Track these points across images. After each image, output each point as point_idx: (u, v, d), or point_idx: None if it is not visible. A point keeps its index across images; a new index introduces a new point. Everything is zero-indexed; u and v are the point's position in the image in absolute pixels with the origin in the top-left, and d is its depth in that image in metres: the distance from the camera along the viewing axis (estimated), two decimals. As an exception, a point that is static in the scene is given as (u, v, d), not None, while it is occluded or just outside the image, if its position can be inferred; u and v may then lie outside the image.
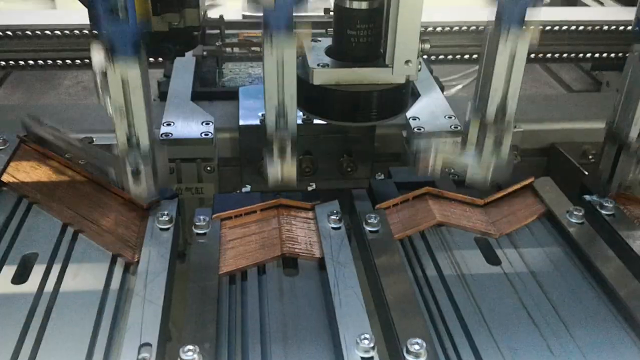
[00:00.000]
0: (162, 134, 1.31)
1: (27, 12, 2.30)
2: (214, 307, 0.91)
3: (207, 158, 1.33)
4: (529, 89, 2.73)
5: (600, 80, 2.47)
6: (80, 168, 1.20)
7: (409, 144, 1.40)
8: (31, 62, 2.14)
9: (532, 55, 2.23)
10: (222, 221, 1.10)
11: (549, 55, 2.24)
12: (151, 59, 2.01)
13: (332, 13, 1.16)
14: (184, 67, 1.66)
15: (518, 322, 0.93)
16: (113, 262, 1.02)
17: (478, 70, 1.10)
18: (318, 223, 1.10)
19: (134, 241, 1.05)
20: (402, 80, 1.11)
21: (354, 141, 1.46)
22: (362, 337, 0.83)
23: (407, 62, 1.08)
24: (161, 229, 1.06)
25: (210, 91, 1.61)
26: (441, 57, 2.19)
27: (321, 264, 1.03)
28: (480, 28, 2.07)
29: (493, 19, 1.03)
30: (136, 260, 1.00)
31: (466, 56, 2.18)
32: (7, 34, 2.03)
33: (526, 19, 1.01)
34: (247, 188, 1.18)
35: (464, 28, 2.11)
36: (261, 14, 0.96)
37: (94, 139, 1.32)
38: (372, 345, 0.82)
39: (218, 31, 1.89)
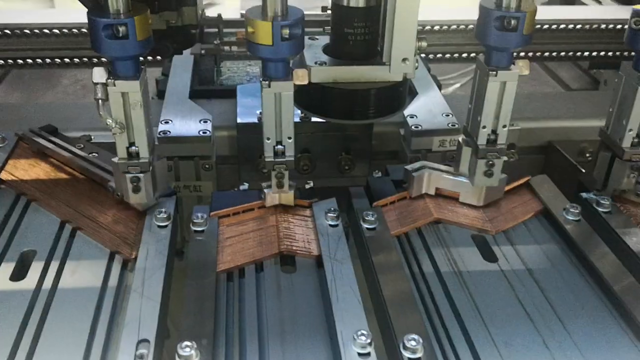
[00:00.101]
0: (160, 132, 1.31)
1: (26, 11, 2.30)
2: (212, 303, 0.92)
3: (205, 156, 1.34)
4: (527, 87, 2.73)
5: (598, 78, 2.47)
6: (78, 166, 1.20)
7: (407, 143, 1.41)
8: (30, 60, 2.14)
9: (531, 54, 2.23)
10: (219, 219, 1.10)
11: (547, 54, 2.24)
12: (149, 57, 2.02)
13: (329, 11, 1.16)
14: (182, 65, 1.66)
15: (514, 318, 0.94)
16: (111, 259, 1.02)
17: (469, 100, 1.12)
18: (315, 220, 1.10)
19: (132, 238, 1.05)
20: (400, 78, 1.11)
21: (351, 139, 1.46)
22: (359, 333, 0.83)
23: (404, 60, 1.08)
24: (159, 226, 1.06)
25: (208, 89, 1.61)
26: (439, 55, 2.19)
27: (319, 261, 1.03)
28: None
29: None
30: (134, 257, 1.00)
31: (464, 55, 2.18)
32: (5, 32, 2.02)
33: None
34: (245, 186, 1.19)
35: (462, 27, 2.11)
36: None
37: (92, 137, 1.32)
38: (368, 341, 0.83)
39: (216, 30, 1.89)
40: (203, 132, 1.33)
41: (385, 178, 1.23)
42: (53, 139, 1.28)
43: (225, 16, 1.91)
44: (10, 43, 2.11)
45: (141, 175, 1.03)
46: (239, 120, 1.40)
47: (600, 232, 1.10)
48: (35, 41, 2.13)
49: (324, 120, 1.25)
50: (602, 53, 2.24)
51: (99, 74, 0.97)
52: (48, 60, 2.16)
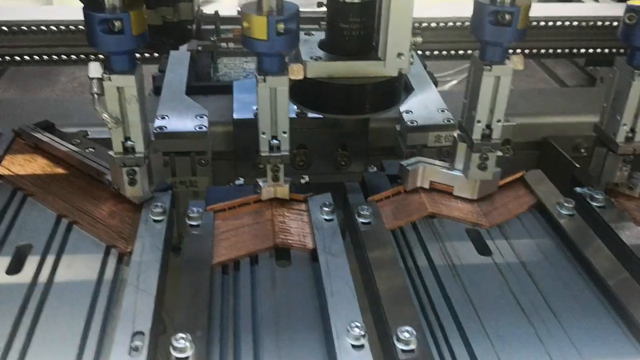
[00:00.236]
0: (156, 128, 1.32)
1: (23, 8, 2.31)
2: (207, 296, 0.92)
3: (201, 151, 1.34)
4: (523, 84, 2.73)
5: (595, 75, 2.47)
6: (75, 161, 1.20)
7: (403, 138, 1.41)
8: (27, 57, 2.15)
9: (527, 51, 2.24)
10: (215, 213, 1.10)
11: (543, 50, 2.25)
12: (147, 55, 2.02)
13: (324, 8, 1.16)
14: (179, 61, 1.66)
15: (508, 311, 0.94)
16: (107, 253, 1.03)
17: (464, 95, 1.12)
18: (311, 215, 1.10)
19: (127, 232, 1.06)
20: (395, 73, 1.11)
21: (348, 135, 1.47)
22: (353, 325, 0.84)
23: (399, 55, 1.08)
24: (155, 221, 1.06)
25: (204, 85, 1.62)
26: (436, 52, 2.20)
27: (314, 254, 1.04)
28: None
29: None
30: (129, 251, 1.01)
31: (460, 52, 2.19)
32: (3, 29, 2.03)
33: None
34: (240, 181, 1.19)
35: (459, 24, 2.12)
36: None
37: (89, 132, 1.33)
38: (362, 333, 0.83)
39: (213, 26, 1.90)
40: (199, 128, 1.33)
41: (381, 173, 1.23)
42: (50, 134, 1.28)
43: (222, 13, 1.92)
44: (8, 40, 2.11)
45: (137, 168, 1.04)
46: (235, 116, 1.41)
47: (594, 226, 1.11)
48: (33, 38, 2.13)
49: (320, 116, 1.25)
50: (599, 50, 2.25)
51: (94, 69, 0.97)
52: (45, 57, 2.16)
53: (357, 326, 0.84)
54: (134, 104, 0.99)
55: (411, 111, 1.43)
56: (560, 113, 1.61)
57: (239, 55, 1.81)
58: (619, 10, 2.21)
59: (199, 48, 1.73)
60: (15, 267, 0.99)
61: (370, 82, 1.12)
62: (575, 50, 2.26)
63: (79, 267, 1.00)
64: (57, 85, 2.77)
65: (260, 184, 1.12)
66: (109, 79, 0.97)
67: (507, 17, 0.98)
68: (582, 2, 2.51)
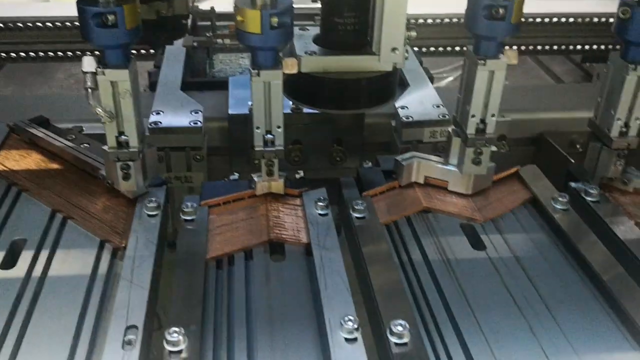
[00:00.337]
0: (151, 123, 1.32)
1: (20, 5, 2.30)
2: (201, 290, 0.92)
3: (196, 147, 1.34)
4: (520, 82, 2.73)
5: (591, 72, 2.48)
6: (69, 156, 1.20)
7: (398, 134, 1.41)
8: (23, 54, 2.15)
9: (523, 48, 2.24)
10: (210, 208, 1.10)
11: (539, 47, 2.25)
12: (143, 51, 2.02)
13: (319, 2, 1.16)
14: (174, 57, 1.66)
15: (501, 306, 0.94)
16: (101, 247, 1.03)
17: (459, 90, 1.12)
18: (305, 209, 1.10)
19: (121, 227, 1.06)
20: (389, 68, 1.11)
21: (343, 131, 1.47)
22: (346, 318, 0.84)
23: (393, 49, 1.08)
24: (149, 215, 1.06)
25: (200, 81, 1.61)
26: (432, 49, 2.20)
27: (308, 249, 1.03)
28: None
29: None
30: (124, 245, 1.01)
31: (457, 48, 2.19)
32: (-1, 26, 2.03)
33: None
34: (235, 176, 1.19)
35: (455, 20, 2.12)
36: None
37: (84, 128, 1.33)
38: (355, 326, 0.83)
39: (209, 22, 1.90)
40: (194, 123, 1.33)
41: (376, 168, 1.23)
42: (44, 130, 1.28)
43: (218, 9, 1.92)
44: (4, 36, 2.11)
45: (131, 162, 1.04)
46: (230, 111, 1.41)
47: (589, 221, 1.11)
48: (29, 34, 2.13)
49: (316, 112, 1.25)
50: (595, 46, 2.25)
51: (88, 63, 0.97)
52: (42, 54, 2.16)
53: (350, 320, 0.84)
54: (128, 98, 0.99)
55: (406, 107, 1.43)
56: (556, 109, 1.61)
57: (235, 52, 1.81)
58: (615, 6, 2.22)
59: (195, 44, 1.73)
60: (9, 262, 0.99)
61: (365, 76, 1.12)
62: (571, 47, 2.26)
63: (73, 262, 1.00)
64: (53, 82, 2.77)
65: (255, 179, 1.12)
66: (103, 73, 0.97)
67: (501, 11, 0.98)
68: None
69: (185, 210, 1.07)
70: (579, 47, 2.25)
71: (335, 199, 1.17)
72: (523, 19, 1.03)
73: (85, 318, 0.89)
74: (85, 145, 1.24)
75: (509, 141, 1.47)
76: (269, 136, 1.06)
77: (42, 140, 1.25)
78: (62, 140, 1.25)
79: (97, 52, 0.99)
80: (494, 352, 0.86)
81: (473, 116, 1.08)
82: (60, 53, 2.16)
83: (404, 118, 1.39)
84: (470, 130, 1.09)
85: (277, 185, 1.12)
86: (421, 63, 1.70)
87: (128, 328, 0.84)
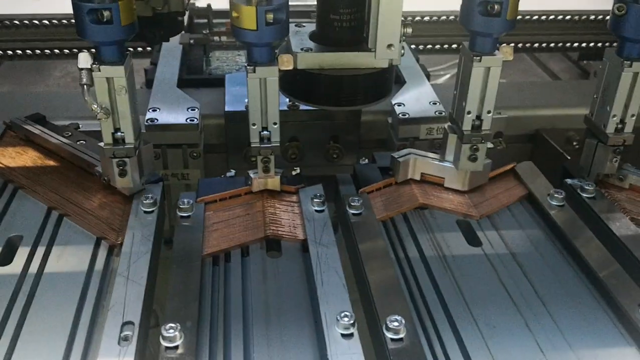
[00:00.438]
0: (147, 120, 1.32)
1: (16, 2, 2.30)
2: (197, 287, 0.92)
3: (192, 144, 1.34)
4: (517, 79, 2.73)
5: (588, 70, 2.48)
6: (66, 153, 1.20)
7: (394, 131, 1.41)
8: (19, 52, 2.15)
9: (520, 45, 2.25)
10: (206, 205, 1.10)
11: (536, 44, 2.25)
12: (139, 49, 2.02)
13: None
14: (171, 54, 1.66)
15: (497, 301, 0.95)
16: (97, 244, 1.03)
17: (455, 86, 1.12)
18: (302, 206, 1.10)
19: (118, 224, 1.06)
20: (385, 65, 1.11)
21: (340, 128, 1.47)
22: (343, 314, 0.84)
23: (389, 46, 1.08)
24: (145, 212, 1.06)
25: (196, 78, 1.61)
26: (429, 46, 2.20)
27: (304, 245, 1.04)
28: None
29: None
30: (120, 242, 1.01)
31: (454, 45, 2.19)
32: (-5, 23, 2.03)
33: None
34: (232, 173, 1.19)
35: (451, 18, 2.12)
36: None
37: (80, 125, 1.32)
38: (352, 321, 0.83)
39: (206, 20, 1.90)
40: (190, 120, 1.33)
41: (372, 165, 1.23)
42: (41, 127, 1.28)
43: (214, 7, 1.92)
44: (0, 34, 2.11)
45: (127, 159, 1.04)
46: (227, 109, 1.41)
47: (585, 217, 1.11)
48: (26, 32, 2.13)
49: (312, 109, 1.25)
50: (592, 44, 2.25)
51: (84, 59, 0.97)
52: (38, 52, 2.16)
53: (346, 316, 0.84)
54: (124, 94, 0.99)
55: (403, 104, 1.43)
56: (552, 106, 1.61)
57: (232, 49, 1.81)
58: (611, 3, 2.22)
59: (191, 41, 1.73)
60: (5, 259, 0.99)
61: (361, 73, 1.12)
62: (568, 45, 2.26)
63: (70, 259, 1.00)
64: (50, 80, 2.77)
65: (251, 175, 1.12)
66: (99, 70, 0.97)
67: (496, 7, 0.98)
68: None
69: (182, 206, 1.07)
70: (575, 44, 2.26)
71: (331, 196, 1.17)
72: (520, 17, 1.03)
73: (81, 314, 0.89)
74: (82, 142, 1.23)
75: (505, 138, 1.47)
76: (265, 133, 1.06)
77: (38, 137, 1.25)
78: (59, 137, 1.24)
79: (93, 50, 0.99)
80: (490, 348, 0.86)
81: (469, 113, 1.08)
82: (56, 50, 2.16)
83: (400, 115, 1.39)
84: (466, 126, 1.09)
85: (274, 181, 1.12)
86: (417, 60, 1.70)
87: (124, 324, 0.84)
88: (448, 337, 0.88)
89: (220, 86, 1.52)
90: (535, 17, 2.17)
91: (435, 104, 1.44)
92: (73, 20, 0.96)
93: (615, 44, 1.13)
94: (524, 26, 2.17)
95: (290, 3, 1.00)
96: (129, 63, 1.00)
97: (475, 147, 1.10)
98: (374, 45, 1.09)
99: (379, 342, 0.84)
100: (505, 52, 1.04)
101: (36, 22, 2.11)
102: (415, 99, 1.46)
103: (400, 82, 1.55)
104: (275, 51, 1.03)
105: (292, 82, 1.15)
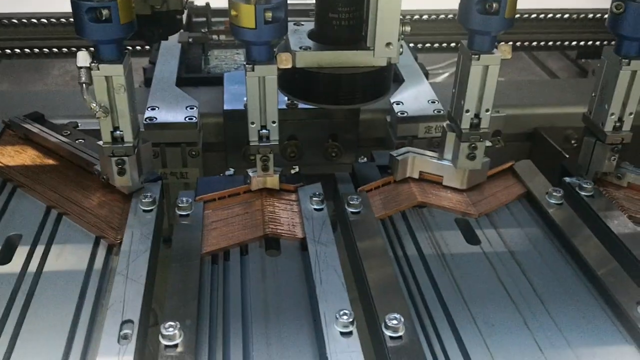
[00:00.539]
0: (146, 119, 1.32)
1: (15, 1, 2.30)
2: (196, 285, 0.92)
3: (191, 142, 1.34)
4: (515, 78, 2.74)
5: (586, 68, 2.48)
6: (65, 152, 1.20)
7: (393, 130, 1.42)
8: (18, 50, 2.14)
9: (518, 44, 2.25)
10: (205, 203, 1.10)
11: (534, 43, 2.26)
12: (138, 47, 2.02)
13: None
14: (169, 53, 1.66)
15: (496, 299, 0.95)
16: (96, 243, 1.03)
17: (453, 84, 1.13)
18: (301, 204, 1.11)
19: (117, 223, 1.06)
20: (384, 63, 1.11)
21: (338, 126, 1.47)
22: (342, 312, 0.84)
23: (387, 44, 1.08)
24: (144, 210, 1.06)
25: (195, 77, 1.61)
26: (427, 45, 2.20)
27: (303, 244, 1.04)
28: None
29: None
30: (119, 241, 1.01)
31: (452, 44, 2.19)
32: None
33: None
34: (231, 171, 1.19)
35: (450, 16, 2.12)
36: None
37: (79, 124, 1.32)
38: (350, 320, 0.83)
39: (204, 19, 1.90)
40: (189, 119, 1.33)
41: (371, 163, 1.23)
42: (39, 125, 1.28)
43: (213, 5, 1.92)
44: (-1, 33, 2.11)
45: (126, 157, 1.04)
46: (225, 107, 1.41)
47: (583, 215, 1.11)
48: (24, 31, 2.13)
49: (311, 107, 1.25)
50: (590, 42, 2.25)
51: (82, 58, 0.97)
52: (37, 50, 2.16)
53: (345, 314, 0.84)
54: (123, 93, 0.99)
55: (401, 102, 1.43)
56: (551, 104, 1.61)
57: (230, 48, 1.81)
58: (609, 2, 2.23)
59: (190, 40, 1.73)
60: (4, 257, 0.99)
61: (359, 71, 1.12)
62: (566, 43, 2.26)
63: (69, 257, 1.00)
64: (48, 79, 2.76)
65: (250, 174, 1.12)
66: (97, 68, 0.97)
67: (495, 5, 0.98)
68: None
69: (181, 205, 1.07)
70: (574, 43, 2.26)
71: (330, 194, 1.17)
72: (518, 15, 1.03)
73: (81, 313, 0.89)
74: (80, 140, 1.23)
75: (504, 136, 1.47)
76: (264, 131, 1.06)
77: (37, 136, 1.25)
78: (57, 136, 1.25)
79: (92, 49, 0.99)
80: (489, 346, 0.86)
81: (467, 111, 1.08)
82: (55, 49, 2.15)
83: (398, 113, 1.39)
84: (465, 125, 1.09)
85: (273, 180, 1.13)
86: (416, 59, 1.71)
87: (124, 322, 0.84)
88: (447, 335, 0.88)
89: (219, 85, 1.52)
90: (534, 16, 2.18)
91: (434, 102, 1.44)
92: (72, 19, 0.96)
93: (613, 43, 1.13)
94: (523, 25, 2.17)
95: (288, 1, 1.00)
96: (127, 61, 1.00)
97: (473, 145, 1.10)
98: (372, 44, 1.09)
99: (378, 340, 0.84)
100: (504, 50, 1.04)
101: (34, 20, 2.11)
102: (414, 97, 1.46)
103: (398, 80, 1.55)
104: (274, 50, 1.03)
105: (290, 81, 1.15)
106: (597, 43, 2.25)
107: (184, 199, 1.08)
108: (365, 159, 1.25)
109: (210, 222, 1.07)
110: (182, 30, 1.67)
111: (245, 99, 1.05)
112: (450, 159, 1.15)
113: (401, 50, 1.12)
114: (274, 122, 1.05)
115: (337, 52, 1.11)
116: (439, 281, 0.98)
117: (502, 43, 1.05)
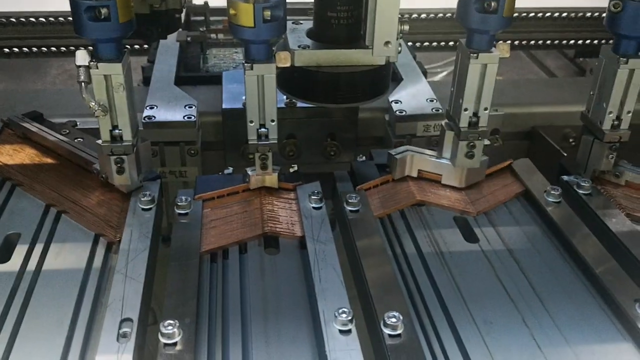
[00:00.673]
0: (145, 117, 1.32)
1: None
2: (195, 284, 0.92)
3: (190, 141, 1.34)
4: (513, 77, 2.74)
5: (584, 67, 2.49)
6: (63, 150, 1.20)
7: (391, 128, 1.42)
8: (16, 49, 2.14)
9: (517, 42, 2.25)
10: (204, 202, 1.11)
11: (533, 42, 2.26)
12: (136, 46, 2.02)
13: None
14: (168, 52, 1.66)
15: (494, 298, 0.95)
16: (95, 241, 1.03)
17: (452, 83, 1.13)
18: (299, 203, 1.11)
19: (116, 221, 1.06)
20: (382, 62, 1.12)
21: (337, 125, 1.47)
22: (340, 310, 0.84)
23: (386, 43, 1.09)
24: (143, 209, 1.06)
25: (193, 76, 1.61)
26: (426, 44, 2.20)
27: (302, 242, 1.04)
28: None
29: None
30: (118, 239, 1.01)
31: (451, 43, 2.19)
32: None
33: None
34: (229, 170, 1.19)
35: (448, 15, 2.12)
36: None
37: (78, 123, 1.33)
38: (349, 318, 0.83)
39: (203, 17, 1.90)
40: (188, 118, 1.33)
41: (370, 162, 1.24)
42: (38, 124, 1.28)
43: (212, 4, 1.92)
44: (-3, 32, 2.11)
45: (125, 156, 1.04)
46: (224, 106, 1.41)
47: (581, 213, 1.12)
48: (22, 30, 2.12)
49: (310, 106, 1.25)
50: (588, 41, 2.26)
51: (81, 57, 0.97)
52: (35, 49, 2.16)
53: (344, 312, 0.84)
54: (121, 92, 0.99)
55: (400, 101, 1.43)
56: (549, 103, 1.62)
57: (229, 46, 1.81)
58: (606, 0, 2.23)
59: (189, 39, 1.73)
60: (3, 256, 0.99)
61: (358, 70, 1.13)
62: (564, 42, 2.27)
63: (68, 256, 1.00)
64: (47, 78, 2.76)
65: (249, 172, 1.12)
66: (96, 67, 0.97)
67: (493, 4, 0.98)
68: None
69: (180, 204, 1.07)
70: (572, 41, 2.26)
71: (329, 193, 1.17)
72: (516, 14, 1.04)
73: (80, 311, 0.89)
74: (79, 139, 1.24)
75: (502, 135, 1.48)
76: (263, 130, 1.06)
77: (35, 134, 1.25)
78: (56, 135, 1.25)
79: (90, 48, 0.99)
80: (487, 343, 0.87)
81: (466, 109, 1.08)
82: (53, 48, 2.15)
83: (397, 112, 1.39)
84: (463, 123, 1.09)
85: (271, 179, 1.13)
86: (414, 57, 1.71)
87: (123, 321, 0.84)
88: (445, 333, 0.88)
89: (217, 84, 1.52)
90: (532, 15, 2.18)
91: (432, 101, 1.44)
92: (70, 18, 0.97)
93: (611, 41, 1.13)
94: (521, 23, 2.17)
95: (287, 0, 1.00)
96: (126, 60, 1.00)
97: (472, 144, 1.10)
98: (371, 43, 1.09)
99: (377, 338, 0.84)
100: (502, 49, 1.04)
101: (33, 19, 2.11)
102: (412, 96, 1.46)
103: (397, 79, 1.55)
104: (273, 48, 1.03)
105: (289, 80, 1.15)
106: (595, 42, 2.25)
107: (183, 197, 1.08)
108: (364, 157, 1.25)
109: (209, 220, 1.07)
110: (180, 29, 1.67)
111: (244, 97, 1.05)
112: (448, 157, 1.15)
113: (400, 49, 1.12)
114: (272, 121, 1.06)
115: (336, 50, 1.11)
116: (437, 279, 0.98)
117: (501, 42, 1.05)
